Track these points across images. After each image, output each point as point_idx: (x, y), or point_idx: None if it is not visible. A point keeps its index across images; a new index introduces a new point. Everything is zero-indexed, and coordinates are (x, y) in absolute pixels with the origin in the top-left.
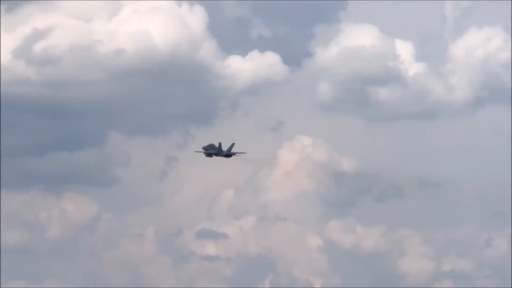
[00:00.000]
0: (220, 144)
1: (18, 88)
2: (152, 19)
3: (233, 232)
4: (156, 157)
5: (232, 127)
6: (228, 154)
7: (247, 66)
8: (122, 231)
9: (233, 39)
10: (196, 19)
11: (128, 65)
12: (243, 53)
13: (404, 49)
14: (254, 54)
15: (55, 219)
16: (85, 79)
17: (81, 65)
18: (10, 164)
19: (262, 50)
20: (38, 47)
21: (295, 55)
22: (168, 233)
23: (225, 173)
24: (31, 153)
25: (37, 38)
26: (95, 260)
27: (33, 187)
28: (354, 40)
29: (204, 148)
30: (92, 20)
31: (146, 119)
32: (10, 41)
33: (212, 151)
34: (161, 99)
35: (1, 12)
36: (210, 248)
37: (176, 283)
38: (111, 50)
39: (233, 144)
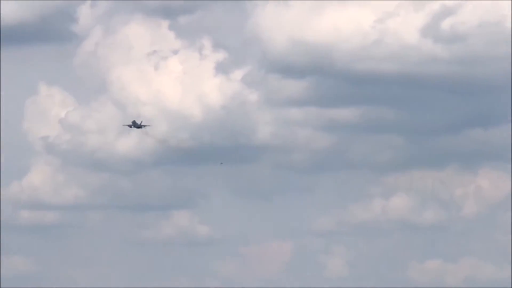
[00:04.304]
0: (135, 120)
1: (426, 67)
2: None
3: None
4: None
5: None
6: (139, 126)
7: None
8: None
9: None
10: None
11: None
12: None
13: None
14: None
15: (471, 196)
16: (493, 55)
17: (489, 41)
18: (424, 142)
19: None
20: (446, 24)
21: None
22: None
23: None
24: (446, 131)
25: (445, 15)
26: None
27: (449, 165)
28: None
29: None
30: None
31: None
32: (419, 19)
33: (132, 124)
34: None
35: None
36: None
37: None
38: None
39: (142, 121)
